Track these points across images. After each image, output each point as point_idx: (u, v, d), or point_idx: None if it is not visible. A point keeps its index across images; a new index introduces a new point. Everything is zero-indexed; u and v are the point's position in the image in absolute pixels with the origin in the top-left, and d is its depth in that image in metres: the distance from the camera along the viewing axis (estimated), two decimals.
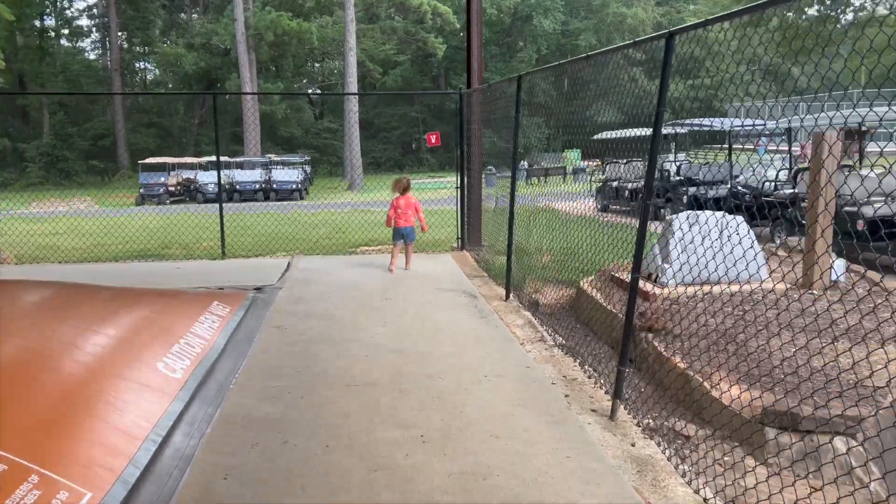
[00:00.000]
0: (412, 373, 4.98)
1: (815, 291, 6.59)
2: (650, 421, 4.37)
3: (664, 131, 15.51)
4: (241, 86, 36.34)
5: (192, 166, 29.36)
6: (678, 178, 15.16)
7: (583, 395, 4.76)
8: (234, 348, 5.40)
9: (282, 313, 6.55)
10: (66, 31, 50.15)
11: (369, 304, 6.93)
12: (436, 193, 18.20)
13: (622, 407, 4.45)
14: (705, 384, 4.51)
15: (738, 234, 6.36)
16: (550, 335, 6.14)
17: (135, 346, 4.65)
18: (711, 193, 13.69)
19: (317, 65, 54.78)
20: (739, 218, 6.81)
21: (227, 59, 44.08)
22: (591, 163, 21.80)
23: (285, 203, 23.46)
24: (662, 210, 15.81)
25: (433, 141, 10.30)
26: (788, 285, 6.59)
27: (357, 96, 34.06)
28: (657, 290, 6.10)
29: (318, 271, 8.68)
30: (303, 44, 39.63)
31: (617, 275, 6.99)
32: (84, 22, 51.75)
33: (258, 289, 7.50)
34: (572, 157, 16.82)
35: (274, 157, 30.27)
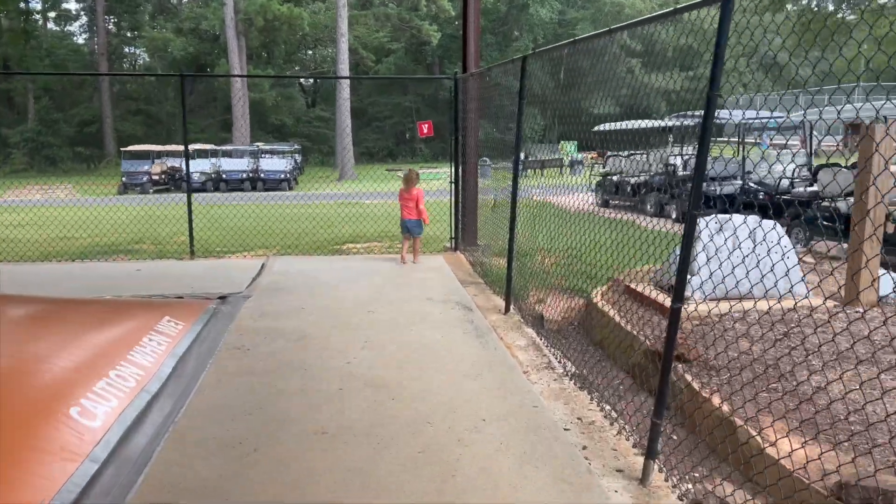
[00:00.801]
0: (394, 416, 4.03)
1: (859, 309, 5.67)
2: (690, 486, 3.45)
3: (668, 124, 14.52)
4: (230, 72, 35.15)
5: (177, 154, 28.22)
6: (685, 172, 14.22)
7: (604, 447, 3.83)
8: (180, 380, 4.43)
9: (245, 331, 5.58)
10: (52, 15, 48.66)
11: (348, 320, 5.97)
12: (428, 185, 17.21)
13: (656, 468, 3.52)
14: (757, 438, 3.58)
15: (771, 241, 5.44)
16: (559, 360, 5.19)
17: (42, 385, 3.68)
18: (720, 190, 12.77)
19: (309, 52, 53.50)
20: (773, 222, 5.89)
21: (216, 44, 42.83)
22: (588, 155, 20.85)
23: (272, 194, 22.39)
24: (667, 206, 14.88)
25: (425, 131, 9.31)
26: (832, 302, 5.66)
27: (349, 83, 32.94)
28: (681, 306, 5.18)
29: (295, 275, 7.71)
30: (294, 30, 38.40)
31: (635, 286, 6.05)
32: (72, 5, 50.35)
33: (223, 297, 6.53)
34: (569, 149, 15.87)
35: (262, 146, 29.11)
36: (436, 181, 18.39)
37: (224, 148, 28.17)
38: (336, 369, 4.78)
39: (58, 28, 50.13)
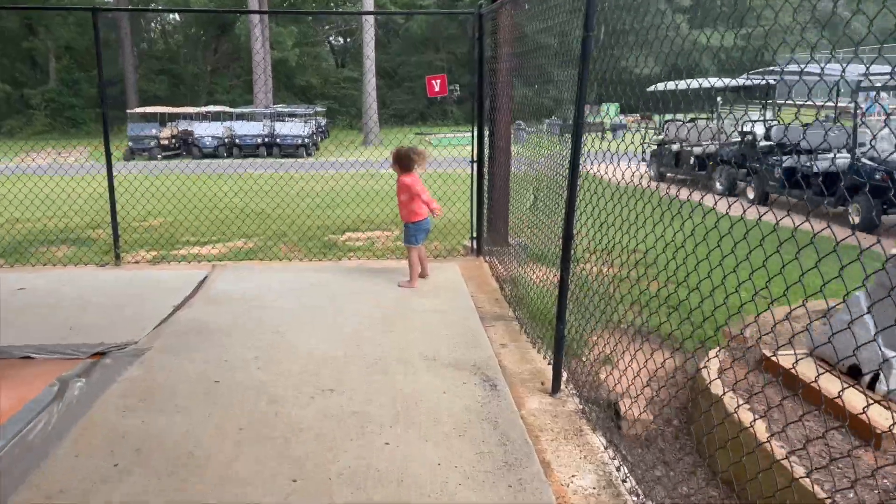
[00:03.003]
0: None
1: None
2: None
3: (742, 83, 11.53)
4: (251, 29, 32.45)
5: (188, 117, 25.83)
6: (768, 142, 11.23)
7: None
8: None
9: (88, 450, 3.05)
10: None
11: (281, 418, 3.39)
12: (455, 151, 14.34)
13: None
14: None
15: None
16: None
17: None
18: (817, 166, 9.83)
19: (339, 9, 50.34)
20: None
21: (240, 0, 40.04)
22: (631, 118, 17.70)
23: (284, 162, 19.84)
24: (742, 183, 11.94)
25: (436, 88, 6.56)
26: None
27: (373, 43, 30.01)
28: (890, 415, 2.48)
29: (237, 304, 5.15)
30: None
31: (783, 362, 3.36)
32: None
33: (101, 354, 4.03)
34: (610, 111, 12.97)
35: (279, 108, 26.47)
36: (467, 147, 15.55)
37: (237, 111, 25.61)
38: None
39: None
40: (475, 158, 6.61)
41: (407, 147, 5.62)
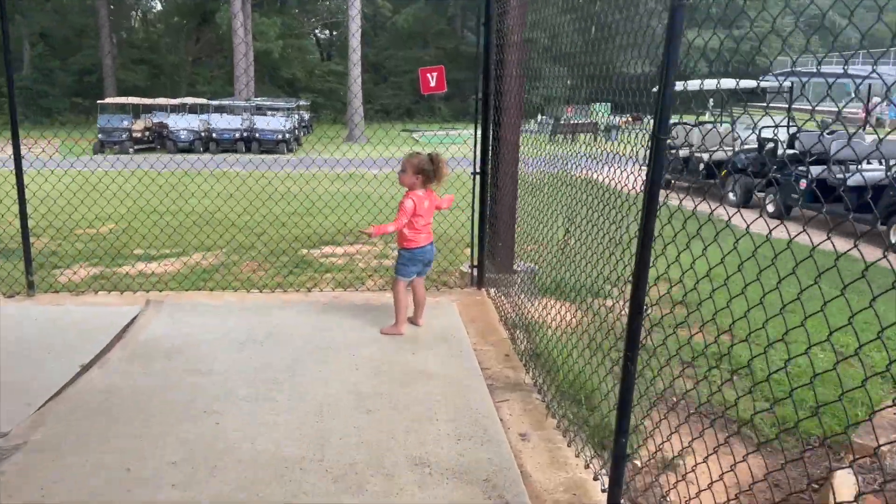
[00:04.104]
0: None
1: None
2: None
3: (760, 84, 10.39)
4: (232, 19, 30.89)
5: (163, 108, 24.32)
6: (791, 151, 10.09)
7: None
8: None
9: None
10: None
11: None
12: (447, 151, 12.99)
13: None
14: None
15: None
16: None
17: None
18: (851, 180, 8.71)
19: (327, 2, 48.78)
20: None
21: None
22: (622, 119, 16.49)
23: (262, 158, 18.43)
24: (763, 194, 10.80)
25: (432, 84, 5.28)
26: None
27: (359, 36, 28.61)
28: None
29: (167, 365, 3.85)
30: None
31: None
32: None
33: None
34: (601, 111, 11.74)
35: (258, 101, 25.00)
36: (458, 147, 14.28)
37: (216, 102, 24.12)
38: None
39: None
40: (478, 170, 5.36)
41: (427, 154, 4.37)
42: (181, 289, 5.80)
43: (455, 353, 4.02)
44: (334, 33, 49.08)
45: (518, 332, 4.30)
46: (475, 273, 5.50)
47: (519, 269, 5.53)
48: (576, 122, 4.36)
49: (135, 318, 4.42)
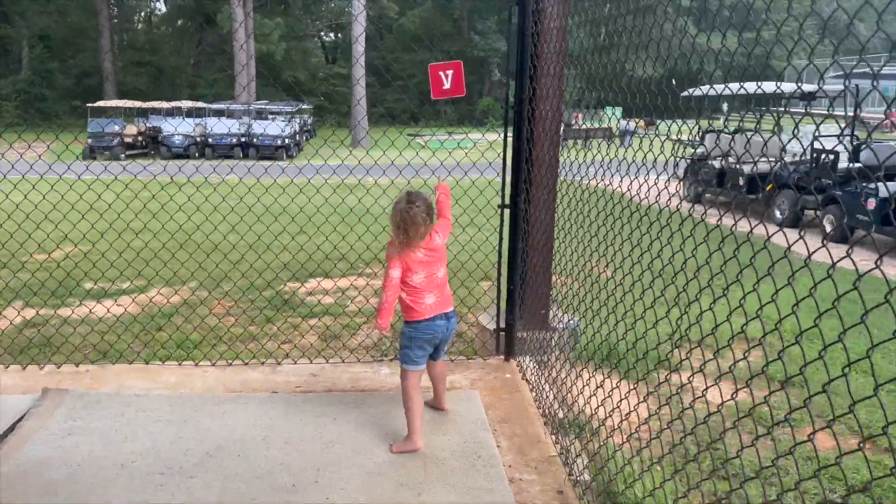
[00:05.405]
0: None
1: None
2: None
3: (808, 89, 9.17)
4: (232, 21, 29.65)
5: (158, 112, 23.03)
6: (855, 165, 8.72)
7: None
8: None
9: None
10: None
11: None
12: (452, 157, 11.58)
13: None
14: None
15: None
16: None
17: None
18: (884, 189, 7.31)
19: (332, 4, 47.45)
20: None
21: None
22: (635, 123, 15.18)
23: (259, 165, 17.13)
24: (819, 213, 9.43)
25: (445, 86, 3.94)
26: None
27: (363, 38, 27.32)
28: None
29: None
30: None
31: None
32: None
33: None
34: (613, 115, 10.41)
35: (258, 105, 23.69)
36: (461, 150, 12.84)
37: (213, 106, 22.83)
38: None
39: None
40: (506, 202, 4.00)
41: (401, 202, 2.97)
42: (121, 344, 4.49)
43: (482, 490, 2.65)
44: (339, 35, 47.84)
45: (571, 439, 2.94)
46: (502, 337, 4.12)
47: (556, 324, 4.17)
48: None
49: (19, 420, 3.06)
